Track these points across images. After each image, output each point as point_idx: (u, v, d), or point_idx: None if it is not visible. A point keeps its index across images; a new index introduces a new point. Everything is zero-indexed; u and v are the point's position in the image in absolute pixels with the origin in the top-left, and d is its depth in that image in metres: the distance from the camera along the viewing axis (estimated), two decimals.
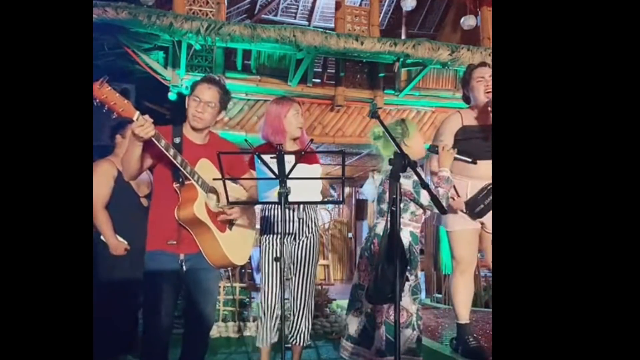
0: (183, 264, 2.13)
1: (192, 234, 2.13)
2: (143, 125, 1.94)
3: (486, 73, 2.84)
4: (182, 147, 2.16)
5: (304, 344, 2.73)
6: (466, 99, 3.03)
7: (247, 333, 4.41)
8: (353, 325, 2.52)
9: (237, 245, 2.26)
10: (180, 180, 2.12)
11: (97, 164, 2.96)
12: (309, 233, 2.71)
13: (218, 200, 2.22)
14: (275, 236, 2.67)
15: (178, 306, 2.37)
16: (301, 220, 2.68)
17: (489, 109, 2.70)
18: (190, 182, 2.10)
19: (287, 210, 2.20)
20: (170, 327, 2.16)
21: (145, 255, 2.19)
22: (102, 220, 2.89)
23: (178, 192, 2.11)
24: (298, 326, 2.69)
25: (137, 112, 1.96)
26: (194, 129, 2.24)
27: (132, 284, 2.85)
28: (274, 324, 2.64)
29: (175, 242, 2.11)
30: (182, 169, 2.07)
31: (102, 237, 2.91)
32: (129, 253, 2.91)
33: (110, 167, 2.98)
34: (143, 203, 3.04)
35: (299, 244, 2.69)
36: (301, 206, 2.67)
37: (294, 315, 2.70)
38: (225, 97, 2.27)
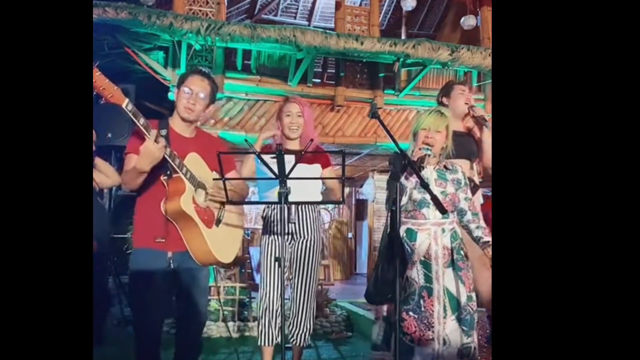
0: (171, 262, 2.10)
1: (178, 228, 2.10)
2: (157, 143, 1.96)
3: (466, 89, 3.17)
4: (168, 140, 2.14)
5: (305, 345, 2.72)
6: (440, 104, 3.17)
7: (247, 333, 4.42)
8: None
9: (223, 242, 2.23)
10: (168, 172, 2.09)
11: None
12: (309, 233, 2.70)
13: (206, 195, 2.20)
14: (275, 236, 2.67)
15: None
16: (301, 221, 2.68)
17: (468, 117, 3.05)
18: (178, 175, 2.07)
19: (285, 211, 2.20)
20: (161, 326, 2.13)
21: (132, 253, 2.18)
22: None
23: (165, 184, 2.09)
24: (299, 326, 2.68)
25: (127, 100, 1.93)
26: (184, 120, 2.23)
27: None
28: (276, 324, 2.63)
29: (163, 240, 2.07)
30: (170, 161, 2.04)
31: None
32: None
33: None
34: (100, 201, 2.88)
35: (299, 244, 2.68)
36: (297, 207, 2.67)
37: (295, 316, 2.69)
38: (215, 89, 2.30)
